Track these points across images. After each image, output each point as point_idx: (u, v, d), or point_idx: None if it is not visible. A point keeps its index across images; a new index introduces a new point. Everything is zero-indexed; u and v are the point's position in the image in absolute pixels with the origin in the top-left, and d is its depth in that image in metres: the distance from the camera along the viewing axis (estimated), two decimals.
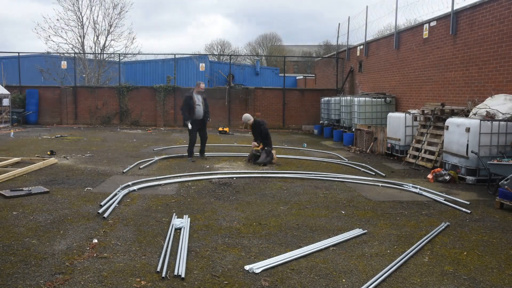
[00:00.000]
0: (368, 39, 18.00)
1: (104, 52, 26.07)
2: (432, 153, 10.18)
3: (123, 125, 21.22)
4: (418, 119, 11.14)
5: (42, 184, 7.36)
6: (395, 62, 15.35)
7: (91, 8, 27.50)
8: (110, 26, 25.96)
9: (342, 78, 21.21)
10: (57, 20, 26.85)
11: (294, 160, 11.10)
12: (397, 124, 11.67)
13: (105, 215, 5.60)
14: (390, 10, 16.24)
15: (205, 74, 29.74)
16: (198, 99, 10.54)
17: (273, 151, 10.39)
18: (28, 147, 12.15)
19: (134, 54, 27.13)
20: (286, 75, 26.19)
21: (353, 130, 14.71)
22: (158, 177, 8.19)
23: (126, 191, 6.95)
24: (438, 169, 8.95)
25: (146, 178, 8.08)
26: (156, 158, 10.50)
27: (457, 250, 4.70)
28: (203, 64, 27.09)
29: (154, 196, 6.82)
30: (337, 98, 17.72)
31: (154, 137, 16.38)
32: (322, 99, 19.82)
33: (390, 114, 12.43)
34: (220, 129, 18.69)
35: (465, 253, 4.62)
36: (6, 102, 19.61)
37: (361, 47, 18.61)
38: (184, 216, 5.64)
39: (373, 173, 9.33)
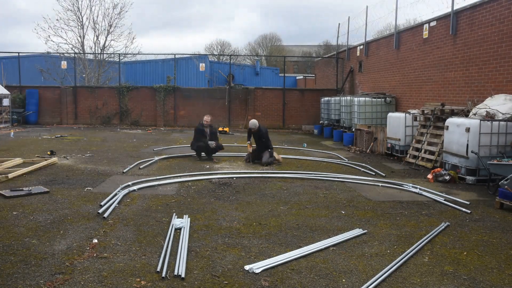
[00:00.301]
0: (368, 39, 18.00)
1: (104, 52, 26.09)
2: (432, 153, 10.18)
3: (123, 125, 21.22)
4: (418, 119, 11.14)
5: (42, 184, 7.36)
6: (395, 62, 15.36)
7: (91, 8, 27.56)
8: (110, 26, 25.97)
9: (342, 78, 21.21)
10: (57, 20, 26.85)
11: (294, 160, 11.10)
12: (397, 124, 11.67)
13: (105, 215, 5.60)
14: (390, 10, 16.25)
15: (205, 74, 29.76)
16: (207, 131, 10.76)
17: (275, 153, 10.55)
18: (28, 147, 12.15)
19: (134, 54, 27.15)
20: (286, 75, 26.20)
21: (353, 130, 14.71)
22: (158, 177, 8.19)
23: (126, 191, 6.95)
24: (438, 169, 8.95)
25: (146, 178, 8.08)
26: (156, 158, 10.51)
27: (457, 250, 4.70)
28: (203, 64, 27.12)
29: (154, 196, 6.82)
30: (337, 98, 17.72)
31: (154, 137, 16.38)
32: (322, 99, 19.82)
33: (390, 114, 12.44)
34: (220, 129, 18.68)
35: (465, 253, 4.62)
36: (6, 102, 19.60)
37: (361, 47, 18.61)
38: (184, 216, 5.64)
39: (373, 173, 9.33)
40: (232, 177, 8.41)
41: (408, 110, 12.67)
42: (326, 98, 19.13)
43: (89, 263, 4.09)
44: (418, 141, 10.85)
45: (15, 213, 5.66)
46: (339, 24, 21.73)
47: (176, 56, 25.74)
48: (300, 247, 4.64)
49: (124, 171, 8.81)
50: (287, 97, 21.68)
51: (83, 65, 24.52)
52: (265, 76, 36.11)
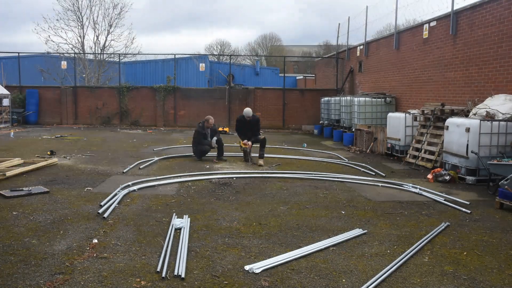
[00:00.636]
0: (368, 39, 18.00)
1: (104, 52, 26.10)
2: (432, 153, 10.18)
3: (123, 125, 21.22)
4: (418, 119, 11.14)
5: (42, 184, 7.36)
6: (395, 62, 15.35)
7: (91, 8, 27.52)
8: (110, 26, 25.99)
9: (342, 78, 21.20)
10: (57, 20, 26.86)
11: (294, 160, 11.11)
12: (397, 124, 11.67)
13: (105, 215, 5.60)
14: (390, 10, 16.22)
15: (205, 74, 29.77)
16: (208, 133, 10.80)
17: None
18: (28, 147, 12.15)
19: (134, 54, 27.20)
20: (286, 75, 26.19)
21: (353, 130, 14.71)
22: (158, 177, 8.19)
23: (126, 191, 6.94)
24: (438, 169, 8.95)
25: (146, 178, 8.08)
26: (156, 158, 10.51)
27: (457, 250, 4.70)
28: (203, 64, 27.12)
29: (154, 196, 6.82)
30: (337, 98, 17.72)
31: (154, 137, 16.39)
32: (322, 99, 19.82)
33: (390, 114, 12.44)
34: (220, 129, 18.66)
35: (465, 253, 4.62)
36: (6, 102, 19.60)
37: (361, 47, 18.61)
38: (184, 216, 5.64)
39: (373, 173, 9.33)
40: (232, 177, 8.41)
41: (408, 110, 12.67)
42: (326, 98, 19.13)
43: (89, 263, 4.09)
44: (418, 141, 10.85)
45: (15, 213, 5.66)
46: (339, 24, 21.76)
47: (176, 56, 25.73)
48: (300, 247, 4.64)
49: (124, 171, 8.81)
50: (287, 97, 21.68)
51: (83, 65, 24.54)
52: (265, 76, 36.10)
